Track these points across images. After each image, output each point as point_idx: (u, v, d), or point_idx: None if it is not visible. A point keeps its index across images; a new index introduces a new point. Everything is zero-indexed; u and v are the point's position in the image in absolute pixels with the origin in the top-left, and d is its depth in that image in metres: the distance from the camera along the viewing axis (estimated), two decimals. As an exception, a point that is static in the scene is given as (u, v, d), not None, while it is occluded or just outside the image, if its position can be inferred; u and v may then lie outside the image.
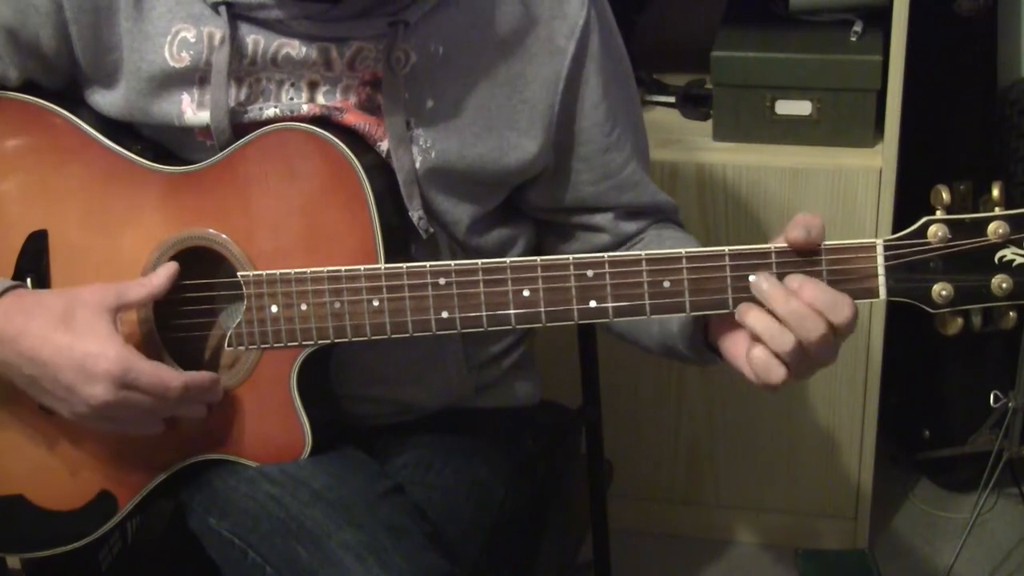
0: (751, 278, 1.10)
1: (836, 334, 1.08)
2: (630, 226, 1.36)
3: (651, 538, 2.25)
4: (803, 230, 1.08)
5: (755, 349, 1.09)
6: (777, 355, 1.08)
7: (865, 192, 1.92)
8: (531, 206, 1.37)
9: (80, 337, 1.16)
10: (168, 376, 1.17)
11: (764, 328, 1.08)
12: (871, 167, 1.91)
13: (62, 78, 1.29)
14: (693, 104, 2.08)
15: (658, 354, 1.31)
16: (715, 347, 1.18)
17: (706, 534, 2.25)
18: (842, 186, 1.92)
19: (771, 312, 1.08)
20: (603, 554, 1.83)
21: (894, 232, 1.09)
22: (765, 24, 2.02)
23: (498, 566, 1.40)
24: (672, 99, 2.11)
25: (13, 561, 1.41)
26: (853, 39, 1.95)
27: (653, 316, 1.13)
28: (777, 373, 1.08)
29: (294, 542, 1.20)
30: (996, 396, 2.02)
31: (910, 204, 1.99)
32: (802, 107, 1.94)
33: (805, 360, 1.08)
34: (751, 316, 1.09)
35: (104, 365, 1.15)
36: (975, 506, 2.07)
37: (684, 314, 1.14)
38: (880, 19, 1.91)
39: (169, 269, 1.23)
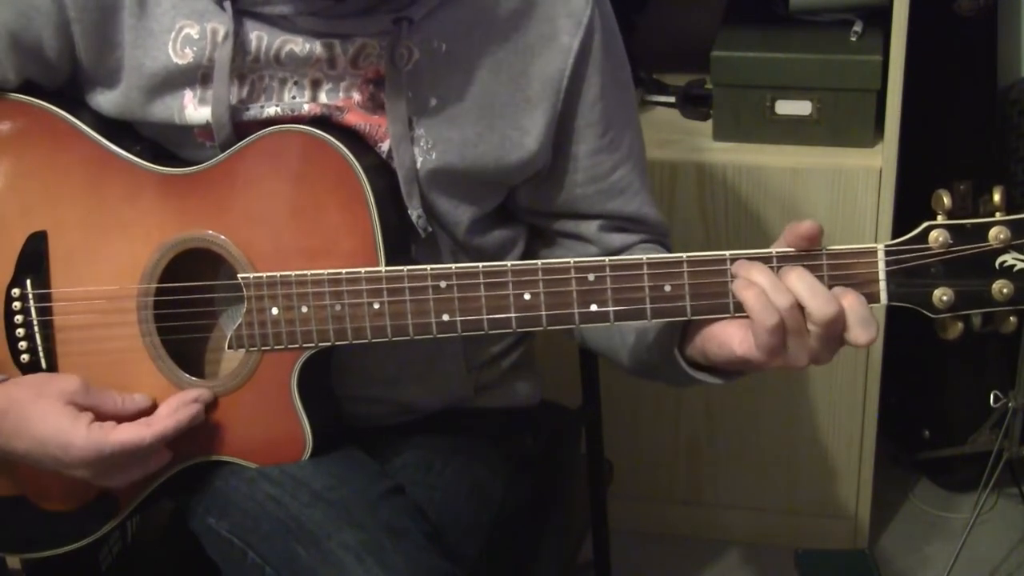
0: (733, 265, 1.09)
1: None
2: (615, 239, 1.35)
3: (651, 538, 2.24)
4: (805, 241, 1.08)
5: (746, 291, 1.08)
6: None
7: (865, 192, 1.91)
8: (520, 208, 1.36)
9: (44, 433, 1.20)
10: (138, 434, 1.19)
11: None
12: (871, 167, 1.90)
13: (62, 78, 1.29)
14: (693, 104, 2.08)
15: (633, 371, 1.30)
16: (690, 358, 1.17)
17: (706, 534, 2.25)
18: (842, 186, 1.92)
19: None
20: (603, 554, 1.84)
21: (894, 232, 1.08)
22: (765, 24, 2.02)
23: (498, 566, 1.41)
24: (672, 99, 2.11)
25: (13, 561, 1.41)
26: (853, 39, 1.95)
27: (653, 320, 1.13)
28: (772, 315, 1.05)
29: (294, 542, 1.20)
30: (996, 396, 2.02)
31: (910, 204, 1.99)
32: (802, 107, 1.94)
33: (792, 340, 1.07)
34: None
35: (75, 454, 1.19)
36: (975, 506, 2.06)
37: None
38: (880, 19, 1.91)
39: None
